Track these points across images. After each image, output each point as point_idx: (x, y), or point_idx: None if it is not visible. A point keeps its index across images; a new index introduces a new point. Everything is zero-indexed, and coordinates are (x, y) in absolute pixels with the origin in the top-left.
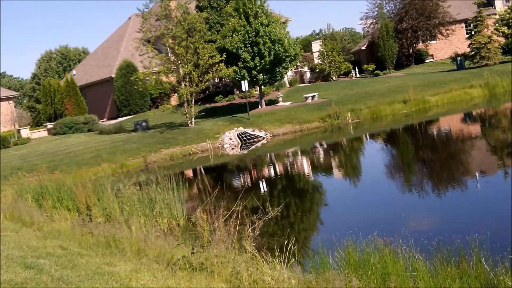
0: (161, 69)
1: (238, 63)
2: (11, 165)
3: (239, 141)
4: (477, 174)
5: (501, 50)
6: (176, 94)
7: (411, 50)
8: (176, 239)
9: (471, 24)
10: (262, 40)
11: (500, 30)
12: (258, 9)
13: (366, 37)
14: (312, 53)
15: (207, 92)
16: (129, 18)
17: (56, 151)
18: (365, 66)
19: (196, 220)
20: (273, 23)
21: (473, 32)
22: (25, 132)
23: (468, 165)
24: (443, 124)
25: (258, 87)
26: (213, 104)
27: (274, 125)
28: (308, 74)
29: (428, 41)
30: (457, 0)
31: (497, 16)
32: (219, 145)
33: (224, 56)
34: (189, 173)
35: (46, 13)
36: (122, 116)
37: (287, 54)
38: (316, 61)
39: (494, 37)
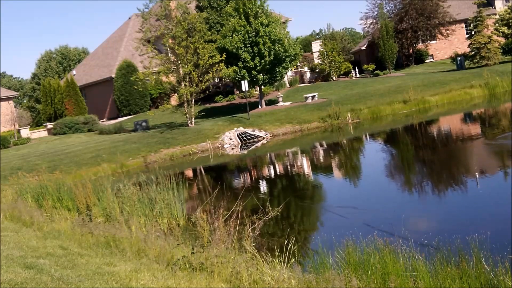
0: (161, 69)
1: (238, 63)
2: (11, 165)
3: (239, 141)
4: (477, 174)
5: (501, 50)
6: (176, 94)
7: (411, 50)
8: (176, 239)
9: (471, 24)
10: (262, 40)
11: (500, 30)
12: (258, 9)
13: (366, 37)
14: (312, 53)
15: (207, 92)
16: (129, 18)
17: (56, 151)
18: (365, 66)
19: (196, 220)
20: (273, 23)
21: (473, 32)
22: (25, 132)
23: (468, 165)
24: (443, 124)
25: (258, 87)
26: (213, 104)
27: (274, 125)
28: (308, 74)
29: (428, 41)
30: (457, 0)
31: (497, 16)
32: (219, 145)
33: (224, 56)
34: (189, 173)
35: (46, 13)
36: (122, 116)
37: (287, 54)
38: (316, 61)
39: (494, 37)
